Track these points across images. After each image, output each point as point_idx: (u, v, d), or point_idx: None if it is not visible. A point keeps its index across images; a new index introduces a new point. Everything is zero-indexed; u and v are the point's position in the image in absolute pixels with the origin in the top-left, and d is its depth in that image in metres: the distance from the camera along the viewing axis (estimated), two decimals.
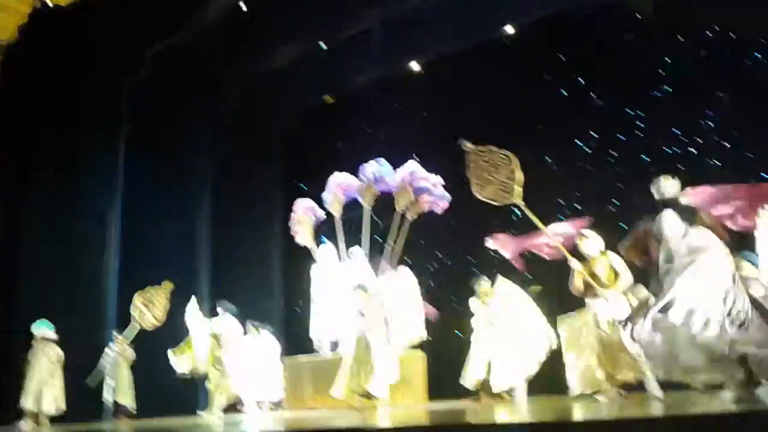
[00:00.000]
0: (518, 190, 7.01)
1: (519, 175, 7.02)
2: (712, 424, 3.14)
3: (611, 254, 6.92)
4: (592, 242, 7.05)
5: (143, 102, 12.00)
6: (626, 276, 6.82)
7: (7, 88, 10.40)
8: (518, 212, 11.75)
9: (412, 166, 10.70)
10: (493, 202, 7.25)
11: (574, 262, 6.95)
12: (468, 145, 7.42)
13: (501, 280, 8.35)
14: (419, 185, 10.51)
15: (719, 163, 10.54)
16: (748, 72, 10.43)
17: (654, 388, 6.52)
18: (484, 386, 8.20)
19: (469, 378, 8.30)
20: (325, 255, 10.50)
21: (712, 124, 10.73)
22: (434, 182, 10.64)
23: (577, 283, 6.98)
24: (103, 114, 11.52)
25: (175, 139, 12.10)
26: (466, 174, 7.36)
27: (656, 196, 5.01)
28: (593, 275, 6.88)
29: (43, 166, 11.45)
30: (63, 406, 9.69)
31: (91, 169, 11.29)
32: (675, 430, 3.23)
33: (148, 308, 10.02)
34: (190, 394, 10.80)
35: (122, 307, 10.94)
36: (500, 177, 7.09)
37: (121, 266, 11.47)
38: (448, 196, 10.49)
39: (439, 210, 10.63)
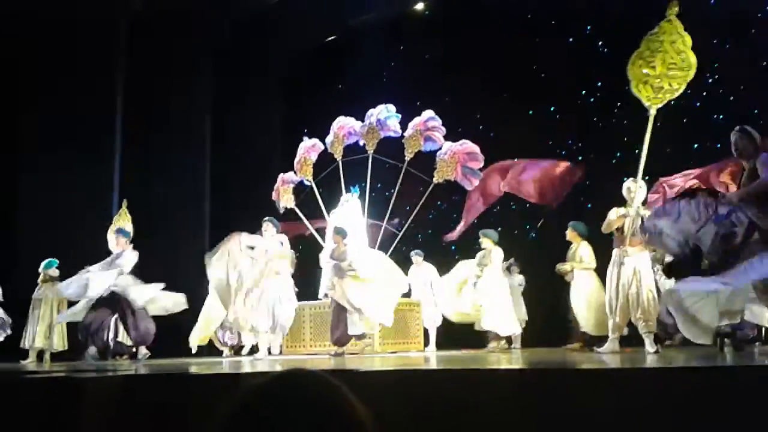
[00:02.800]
0: (665, 100, 6.20)
1: (680, 90, 6.12)
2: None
3: None
4: (642, 193, 6.98)
5: (139, 40, 11.77)
6: None
7: None
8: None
9: (428, 114, 10.54)
10: (632, 87, 6.29)
11: (632, 209, 6.76)
12: (674, 11, 6.20)
13: None
14: (429, 136, 10.38)
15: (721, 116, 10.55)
16: (755, 24, 10.33)
17: (650, 344, 6.69)
18: None
19: None
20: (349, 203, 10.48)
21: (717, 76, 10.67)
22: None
23: (613, 223, 6.94)
24: (98, 54, 11.29)
25: (172, 79, 11.91)
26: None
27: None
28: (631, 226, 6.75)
29: (40, 109, 11.33)
30: (66, 343, 9.90)
31: (89, 110, 11.14)
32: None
33: None
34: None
35: None
36: (667, 75, 6.10)
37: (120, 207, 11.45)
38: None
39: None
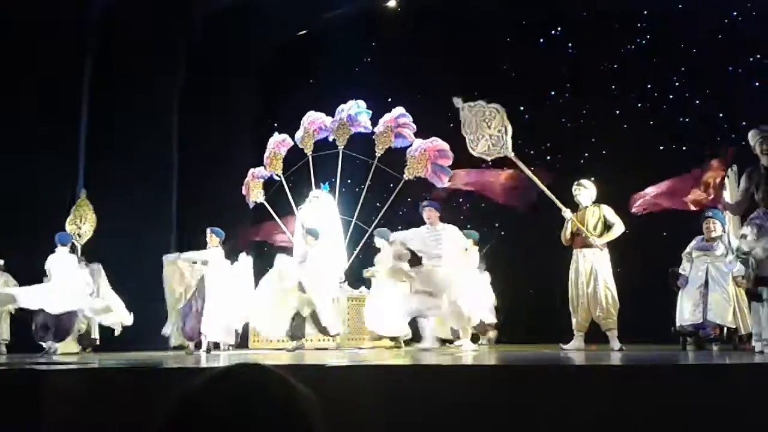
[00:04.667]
0: (509, 142, 7.08)
1: (509, 127, 7.08)
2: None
3: (604, 206, 7.07)
4: (588, 192, 7.16)
5: (108, 33, 11.57)
6: (619, 226, 6.98)
7: None
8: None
9: (398, 110, 10.56)
10: (487, 157, 7.35)
11: (566, 212, 7.03)
12: (459, 102, 7.43)
13: None
14: (400, 132, 10.40)
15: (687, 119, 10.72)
16: (723, 29, 10.50)
17: (613, 341, 6.81)
18: None
19: None
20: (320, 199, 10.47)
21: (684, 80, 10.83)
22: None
23: (564, 233, 7.11)
24: (67, 43, 11.06)
25: (139, 72, 11.70)
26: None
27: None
28: (582, 225, 7.00)
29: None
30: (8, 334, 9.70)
31: (53, 104, 10.88)
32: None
33: (82, 224, 9.92)
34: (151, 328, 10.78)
35: None
36: (491, 131, 7.15)
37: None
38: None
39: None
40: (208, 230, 8.84)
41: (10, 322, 9.64)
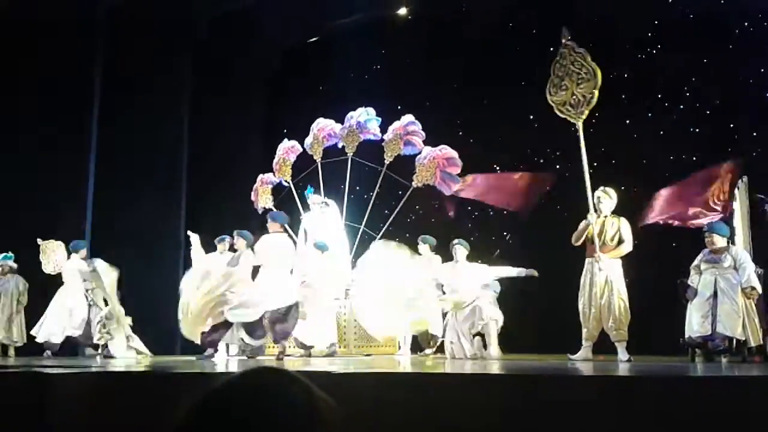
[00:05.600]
0: (586, 113, 6.74)
1: (595, 98, 6.66)
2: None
3: (624, 220, 7.05)
4: (611, 202, 7.14)
5: (115, 37, 11.60)
6: (628, 245, 6.97)
7: None
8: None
9: (408, 118, 10.59)
10: (557, 112, 6.90)
11: (592, 216, 6.99)
12: (566, 35, 6.99)
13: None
14: (409, 140, 10.41)
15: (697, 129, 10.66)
16: (734, 39, 10.45)
17: (622, 352, 6.78)
18: None
19: None
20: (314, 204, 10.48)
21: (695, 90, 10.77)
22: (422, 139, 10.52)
23: (578, 234, 7.07)
24: (73, 51, 11.08)
25: (148, 77, 11.71)
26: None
27: None
28: (600, 234, 6.98)
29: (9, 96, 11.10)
30: (24, 336, 9.72)
31: (61, 110, 10.90)
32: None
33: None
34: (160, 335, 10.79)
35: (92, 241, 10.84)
36: (578, 90, 6.72)
37: (93, 206, 11.29)
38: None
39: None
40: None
41: (25, 325, 9.69)
